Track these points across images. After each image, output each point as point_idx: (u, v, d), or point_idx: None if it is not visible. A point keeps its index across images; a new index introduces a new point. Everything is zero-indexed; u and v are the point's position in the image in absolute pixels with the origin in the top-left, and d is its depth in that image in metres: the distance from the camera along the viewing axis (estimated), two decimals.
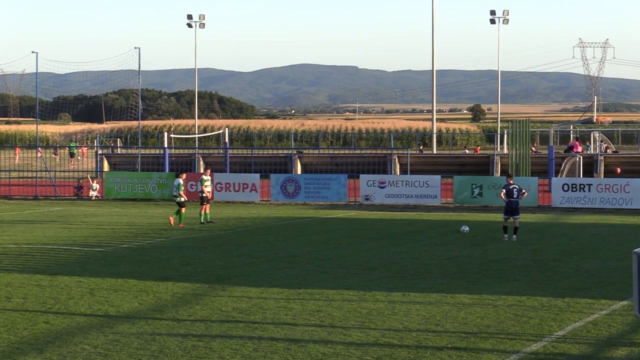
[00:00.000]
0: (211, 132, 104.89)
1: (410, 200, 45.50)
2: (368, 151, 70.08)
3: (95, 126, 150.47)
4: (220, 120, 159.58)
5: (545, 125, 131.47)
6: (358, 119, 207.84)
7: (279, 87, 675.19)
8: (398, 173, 58.93)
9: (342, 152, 74.59)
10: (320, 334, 16.47)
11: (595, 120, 58.80)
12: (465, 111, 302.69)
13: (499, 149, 71.38)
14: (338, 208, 44.42)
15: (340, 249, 28.74)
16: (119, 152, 75.57)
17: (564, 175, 51.67)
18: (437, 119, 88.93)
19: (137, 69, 59.61)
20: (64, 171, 62.44)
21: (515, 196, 30.76)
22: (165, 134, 68.90)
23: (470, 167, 59.90)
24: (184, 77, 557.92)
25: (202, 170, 55.53)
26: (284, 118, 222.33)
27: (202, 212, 36.65)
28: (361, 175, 47.65)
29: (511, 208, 30.78)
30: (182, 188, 36.28)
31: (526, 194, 31.62)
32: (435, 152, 77.44)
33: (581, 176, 51.36)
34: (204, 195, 36.75)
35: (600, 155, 58.40)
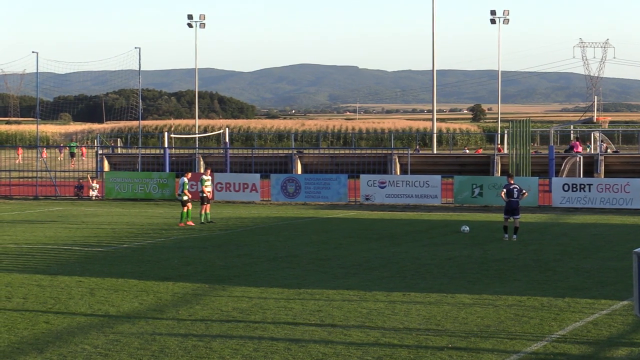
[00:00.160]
0: (211, 132, 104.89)
1: (411, 200, 45.50)
2: (368, 151, 70.07)
3: (95, 126, 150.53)
4: (221, 120, 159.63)
5: (545, 125, 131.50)
6: (358, 119, 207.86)
7: (280, 87, 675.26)
8: (398, 173, 58.92)
9: (342, 152, 74.60)
10: (320, 334, 16.48)
11: (595, 120, 58.83)
12: (465, 111, 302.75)
13: (499, 149, 71.38)
14: (338, 208, 44.42)
15: (340, 249, 28.75)
16: (119, 152, 75.59)
17: (564, 175, 51.66)
18: (437, 119, 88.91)
19: (138, 69, 59.62)
20: (64, 171, 62.43)
21: (515, 196, 30.78)
22: (166, 134, 68.96)
23: (470, 167, 59.89)
24: (184, 77, 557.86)
25: (202, 170, 55.53)
26: (285, 118, 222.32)
27: (203, 212, 36.66)
28: (361, 175, 47.65)
29: (511, 208, 30.80)
30: (187, 187, 36.35)
31: (526, 194, 31.62)
32: (435, 152, 77.43)
33: (581, 176, 51.35)
34: (204, 195, 36.77)
35: (601, 155, 58.39)
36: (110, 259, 26.40)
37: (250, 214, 41.57)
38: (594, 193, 43.06)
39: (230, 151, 64.28)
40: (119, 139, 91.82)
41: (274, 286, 21.50)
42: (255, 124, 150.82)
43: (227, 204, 46.81)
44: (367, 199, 46.06)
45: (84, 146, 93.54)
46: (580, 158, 53.97)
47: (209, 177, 38.19)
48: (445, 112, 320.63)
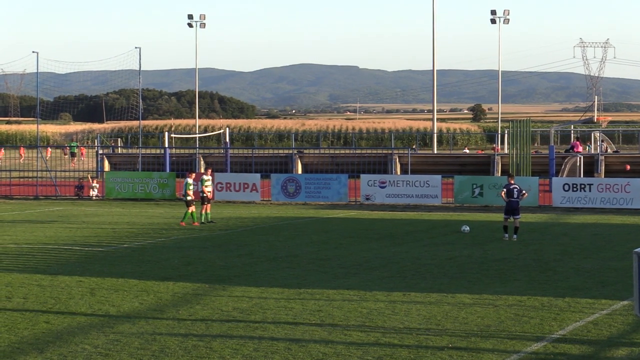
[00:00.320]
0: (212, 132, 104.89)
1: (411, 200, 45.50)
2: (369, 151, 70.07)
3: (95, 126, 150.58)
4: (221, 120, 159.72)
5: (545, 125, 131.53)
6: (359, 118, 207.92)
7: (280, 87, 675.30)
8: (399, 173, 58.92)
9: (342, 152, 74.59)
10: (320, 334, 16.48)
11: (595, 120, 58.83)
12: (465, 111, 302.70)
13: (499, 149, 71.43)
14: (339, 208, 44.42)
15: (340, 248, 28.74)
16: (119, 152, 75.62)
17: (564, 175, 51.66)
18: (437, 119, 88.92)
19: (138, 69, 59.63)
20: (65, 171, 62.43)
21: (515, 196, 30.79)
22: (166, 133, 68.95)
23: (470, 167, 59.90)
24: (184, 77, 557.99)
25: (202, 170, 55.53)
26: (285, 118, 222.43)
27: (203, 212, 36.68)
28: (362, 175, 47.65)
29: (511, 208, 30.82)
30: (190, 187, 36.40)
31: (526, 194, 31.63)
32: (435, 151, 77.44)
33: (582, 176, 51.35)
34: (205, 195, 36.81)
35: (601, 155, 58.38)
36: (111, 259, 26.40)
37: (251, 213, 41.58)
38: (594, 193, 43.07)
39: (230, 151, 64.27)
40: (119, 139, 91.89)
41: (274, 286, 21.50)
42: (255, 124, 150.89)
43: (227, 203, 46.81)
44: (367, 199, 46.06)
45: (83, 146, 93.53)
46: (580, 158, 53.98)
47: (210, 177, 38.22)
48: (446, 112, 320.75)
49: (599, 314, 18.24)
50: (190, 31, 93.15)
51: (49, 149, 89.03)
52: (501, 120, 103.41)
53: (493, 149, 73.46)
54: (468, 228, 33.39)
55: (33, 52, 57.91)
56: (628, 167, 56.15)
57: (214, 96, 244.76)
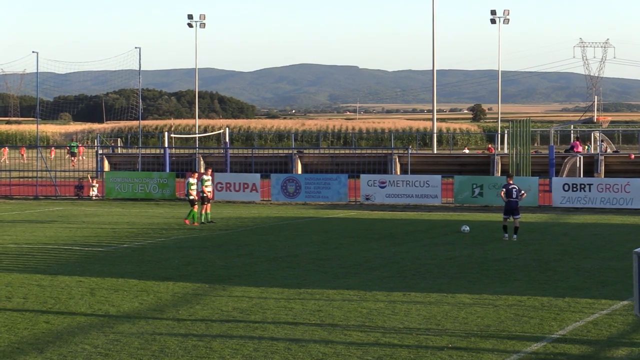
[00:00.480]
0: (212, 132, 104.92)
1: (411, 200, 45.50)
2: (368, 151, 70.06)
3: (95, 126, 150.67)
4: (221, 120, 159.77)
5: (545, 125, 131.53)
6: (358, 118, 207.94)
7: (280, 87, 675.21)
8: (398, 173, 58.92)
9: (342, 152, 74.59)
10: (320, 334, 16.48)
11: (595, 120, 58.82)
12: (465, 111, 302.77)
13: (499, 149, 71.44)
14: (338, 208, 44.42)
15: (340, 248, 28.75)
16: (119, 152, 75.62)
17: (564, 175, 51.66)
18: (437, 119, 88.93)
19: (138, 69, 59.61)
20: (65, 171, 62.44)
21: (514, 196, 30.82)
22: (166, 133, 69.01)
23: (470, 167, 59.90)
24: (184, 77, 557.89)
25: (202, 170, 55.53)
26: (285, 118, 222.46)
27: (203, 212, 36.70)
28: (362, 175, 47.65)
29: (511, 208, 30.85)
30: (192, 187, 36.45)
31: (525, 195, 31.65)
32: (435, 151, 77.44)
33: (581, 176, 51.35)
34: (205, 195, 36.83)
35: (601, 155, 58.39)
36: (111, 259, 26.40)
37: (251, 213, 41.58)
38: (594, 193, 43.07)
39: (230, 151, 64.27)
40: (119, 139, 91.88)
41: (274, 286, 21.50)
42: (255, 124, 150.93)
43: (227, 203, 46.82)
44: (367, 199, 46.06)
45: (82, 146, 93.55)
46: (580, 158, 53.98)
47: (210, 177, 38.24)
48: (446, 112, 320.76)
49: (599, 314, 18.24)
50: (190, 31, 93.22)
51: (54, 149, 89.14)
52: (501, 120, 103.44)
53: (488, 149, 73.28)
54: (468, 228, 33.39)
55: (33, 52, 57.92)
56: (632, 156, 56.28)
57: (214, 96, 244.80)
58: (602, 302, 19.47)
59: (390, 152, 62.53)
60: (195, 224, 35.94)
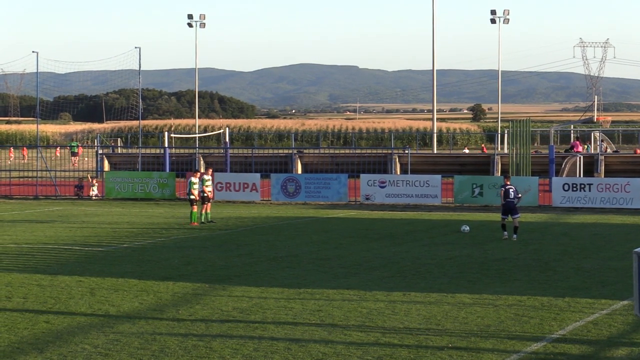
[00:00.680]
0: (212, 131, 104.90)
1: (411, 200, 45.50)
2: (368, 151, 70.07)
3: (95, 126, 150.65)
4: (221, 120, 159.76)
5: (545, 125, 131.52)
6: (358, 118, 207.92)
7: (280, 87, 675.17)
8: (398, 173, 58.93)
9: (342, 151, 74.61)
10: (320, 334, 16.48)
11: (596, 120, 58.83)
12: (465, 111, 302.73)
13: (499, 149, 71.44)
14: (338, 208, 44.41)
15: (340, 248, 28.74)
16: (119, 152, 75.61)
17: (564, 175, 51.67)
18: (437, 119, 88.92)
19: (138, 69, 59.62)
20: (65, 171, 62.44)
21: (511, 197, 30.89)
22: (166, 133, 68.99)
23: (470, 167, 59.91)
24: (184, 76, 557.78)
25: (202, 170, 55.52)
26: (285, 118, 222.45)
27: (203, 211, 36.71)
28: (361, 175, 47.65)
29: (509, 208, 30.92)
30: (194, 186, 36.48)
31: (521, 197, 31.72)
32: (435, 151, 77.44)
33: (581, 176, 51.35)
34: (205, 194, 36.84)
35: (601, 155, 58.40)
36: (111, 259, 26.40)
37: (251, 213, 41.58)
38: (594, 193, 43.07)
39: (230, 151, 64.28)
40: (119, 139, 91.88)
41: (274, 286, 21.50)
42: (255, 124, 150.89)
43: (227, 203, 46.82)
44: (367, 199, 46.05)
45: (81, 145, 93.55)
46: (580, 158, 53.98)
47: (210, 177, 38.24)
48: (446, 111, 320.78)
49: (599, 313, 18.24)
50: (190, 31, 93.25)
51: (58, 149, 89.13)
52: (501, 120, 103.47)
53: (483, 149, 73.35)
54: (468, 228, 33.39)
55: (33, 52, 57.92)
56: (638, 151, 56.35)
57: (213, 96, 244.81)
58: (602, 302, 19.47)
59: (390, 152, 62.54)
60: (195, 223, 35.96)
